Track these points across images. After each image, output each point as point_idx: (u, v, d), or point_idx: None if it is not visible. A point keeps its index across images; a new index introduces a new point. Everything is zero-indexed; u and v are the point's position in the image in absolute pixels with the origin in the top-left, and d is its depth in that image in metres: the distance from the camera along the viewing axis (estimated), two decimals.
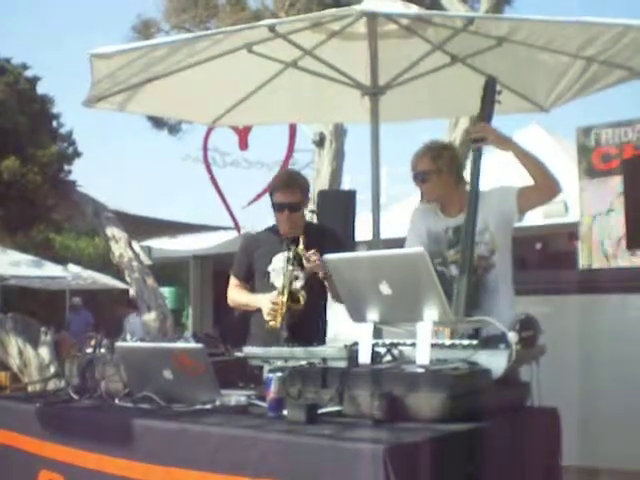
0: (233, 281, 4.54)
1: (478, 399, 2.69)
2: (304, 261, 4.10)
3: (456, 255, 3.91)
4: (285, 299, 4.06)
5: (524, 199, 3.89)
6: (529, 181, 3.85)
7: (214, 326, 16.16)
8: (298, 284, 4.10)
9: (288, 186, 4.32)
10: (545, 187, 3.87)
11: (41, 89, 16.18)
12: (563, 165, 10.24)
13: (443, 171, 4.02)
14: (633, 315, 5.01)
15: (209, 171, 13.22)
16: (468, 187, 3.97)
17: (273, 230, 4.44)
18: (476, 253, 3.85)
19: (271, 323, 4.08)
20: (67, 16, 60.83)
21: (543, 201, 3.98)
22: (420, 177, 4.04)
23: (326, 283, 4.16)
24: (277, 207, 4.32)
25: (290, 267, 4.10)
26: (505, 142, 3.91)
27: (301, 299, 4.10)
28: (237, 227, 13.29)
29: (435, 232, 4.05)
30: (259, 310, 4.22)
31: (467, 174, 3.98)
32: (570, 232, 10.00)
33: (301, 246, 4.11)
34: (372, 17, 4.67)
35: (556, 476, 3.02)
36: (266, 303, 4.15)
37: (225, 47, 4.69)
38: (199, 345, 3.13)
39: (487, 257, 3.92)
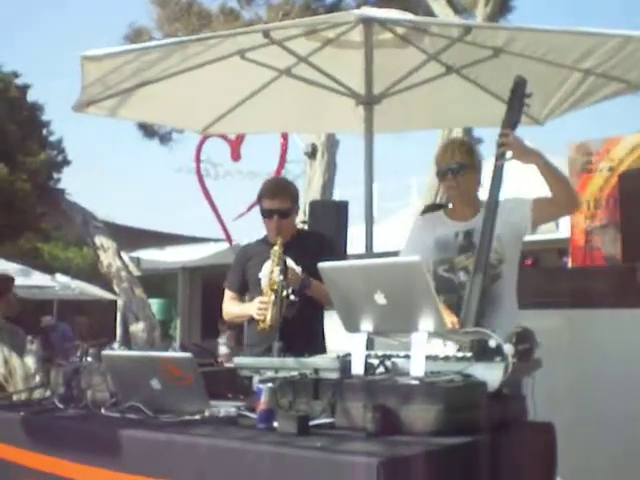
0: (228, 294, 4.50)
1: (473, 412, 2.62)
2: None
3: (467, 261, 3.78)
4: (273, 297, 3.96)
5: (539, 211, 3.77)
6: (547, 192, 3.69)
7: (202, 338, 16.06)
8: (289, 290, 4.01)
9: (276, 192, 4.26)
10: (564, 201, 3.72)
11: (31, 97, 16.16)
12: None
13: (475, 168, 3.87)
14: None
15: (201, 183, 13.15)
16: (482, 193, 3.79)
17: (264, 240, 4.38)
18: None
19: (261, 324, 4.00)
20: (59, 24, 60.89)
21: (560, 215, 3.83)
22: (455, 170, 3.81)
23: (308, 293, 4.10)
24: (266, 213, 4.26)
25: (276, 268, 3.99)
26: (529, 155, 3.66)
27: (291, 298, 3.99)
28: (229, 239, 13.21)
29: (444, 238, 3.89)
30: (252, 319, 4.15)
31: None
32: (560, 248, 9.97)
33: (276, 247, 4.03)
34: (369, 23, 4.61)
35: None
36: (255, 304, 4.10)
37: (218, 53, 4.64)
38: (188, 354, 3.06)
39: (495, 266, 3.77)
